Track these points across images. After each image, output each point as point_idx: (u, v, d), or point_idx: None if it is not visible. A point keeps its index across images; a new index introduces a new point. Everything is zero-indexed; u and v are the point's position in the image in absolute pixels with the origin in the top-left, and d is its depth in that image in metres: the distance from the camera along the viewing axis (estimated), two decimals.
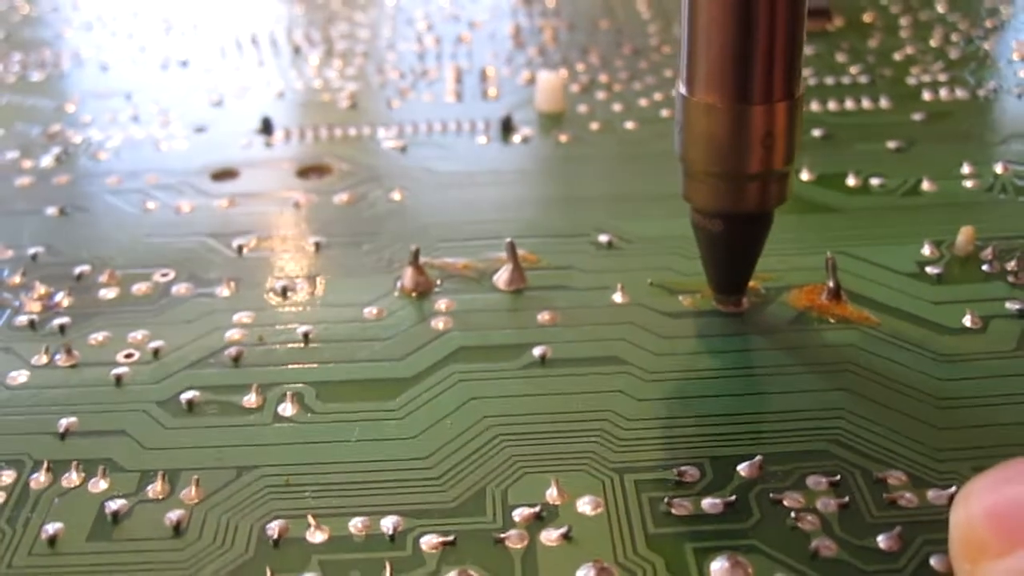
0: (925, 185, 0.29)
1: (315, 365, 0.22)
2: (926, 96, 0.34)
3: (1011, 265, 0.25)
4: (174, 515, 0.18)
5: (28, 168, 0.32)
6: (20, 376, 0.22)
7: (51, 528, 0.18)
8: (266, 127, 0.34)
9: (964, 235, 0.25)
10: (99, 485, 0.19)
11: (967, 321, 0.23)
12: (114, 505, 0.19)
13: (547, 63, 0.38)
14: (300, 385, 0.22)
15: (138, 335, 0.23)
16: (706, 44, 0.20)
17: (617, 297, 0.24)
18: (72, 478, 0.19)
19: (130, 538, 0.18)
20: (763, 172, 0.21)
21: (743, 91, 0.20)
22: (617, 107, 0.34)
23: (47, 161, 0.32)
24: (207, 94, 0.37)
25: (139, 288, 0.25)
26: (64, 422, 0.21)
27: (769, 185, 0.21)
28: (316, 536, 0.18)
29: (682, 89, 0.21)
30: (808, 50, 0.36)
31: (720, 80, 0.20)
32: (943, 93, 0.34)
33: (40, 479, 0.19)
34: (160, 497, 0.19)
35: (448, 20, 0.43)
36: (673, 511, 0.18)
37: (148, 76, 0.39)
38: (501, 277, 0.25)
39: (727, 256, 0.23)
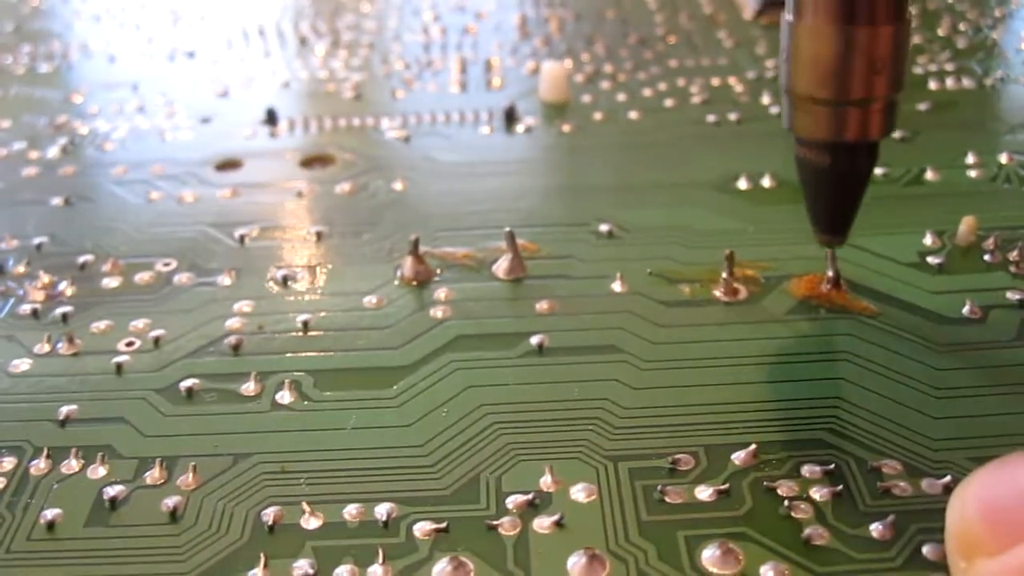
0: (929, 175, 0.28)
1: (314, 353, 0.22)
2: (932, 86, 0.34)
3: (1013, 255, 0.24)
4: (171, 501, 0.19)
5: (35, 159, 0.32)
6: (23, 364, 0.23)
7: (50, 513, 0.18)
8: (270, 118, 0.34)
9: (966, 225, 0.25)
10: (98, 471, 0.19)
11: (966, 311, 0.23)
12: (112, 491, 0.19)
13: (552, 53, 0.38)
14: (298, 373, 0.22)
15: (139, 324, 0.24)
16: None
17: (616, 286, 0.24)
18: (71, 464, 0.20)
19: (127, 524, 0.18)
20: (871, 97, 0.21)
21: (850, 12, 0.20)
22: (621, 97, 0.34)
23: (53, 152, 0.32)
24: (213, 85, 0.37)
25: (141, 277, 0.25)
26: (65, 409, 0.21)
27: (877, 112, 0.21)
28: (311, 522, 0.18)
29: (788, 16, 0.21)
30: None
31: (827, 3, 0.20)
32: (949, 83, 0.34)
33: (40, 465, 0.20)
34: (158, 483, 0.19)
35: (454, 11, 0.43)
36: (666, 499, 0.18)
37: (155, 67, 0.39)
38: (501, 266, 0.25)
39: (833, 192, 0.22)
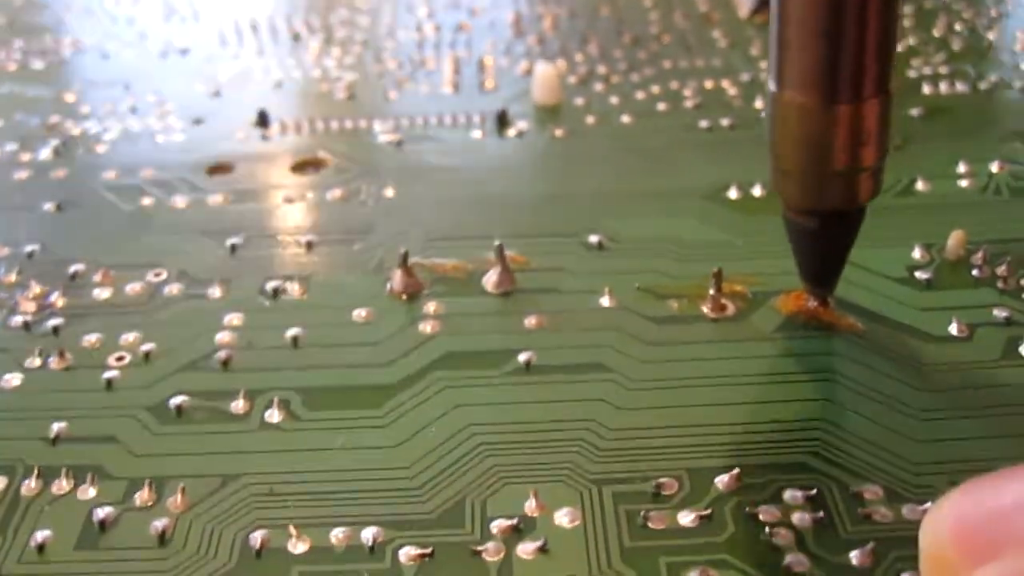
0: (919, 185, 0.28)
1: (303, 371, 0.23)
2: (926, 90, 0.34)
3: (1001, 270, 0.25)
4: (160, 524, 0.19)
5: (26, 161, 0.32)
6: (14, 379, 0.23)
7: (40, 536, 0.19)
8: (262, 120, 0.34)
9: (955, 239, 0.25)
10: (88, 492, 0.20)
11: (953, 329, 0.23)
12: (101, 513, 0.19)
13: (546, 53, 0.38)
14: (288, 391, 0.22)
15: (130, 337, 0.24)
16: (796, 44, 0.20)
17: (604, 301, 0.24)
18: (62, 485, 0.20)
19: (116, 547, 0.18)
20: (858, 168, 0.21)
21: (835, 89, 0.20)
22: (614, 100, 0.34)
23: (45, 154, 0.32)
24: (206, 84, 0.37)
25: (132, 288, 0.26)
26: (56, 427, 0.21)
27: (865, 179, 0.21)
28: (298, 547, 0.18)
29: (772, 86, 0.21)
30: None
31: (812, 79, 0.20)
32: (943, 86, 0.34)
33: (31, 485, 0.20)
34: (147, 505, 0.19)
35: (449, 7, 0.43)
36: (649, 524, 0.18)
37: (148, 64, 0.39)
38: (490, 279, 0.25)
39: (820, 251, 0.23)
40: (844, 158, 0.21)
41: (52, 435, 0.21)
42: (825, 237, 0.22)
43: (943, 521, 0.15)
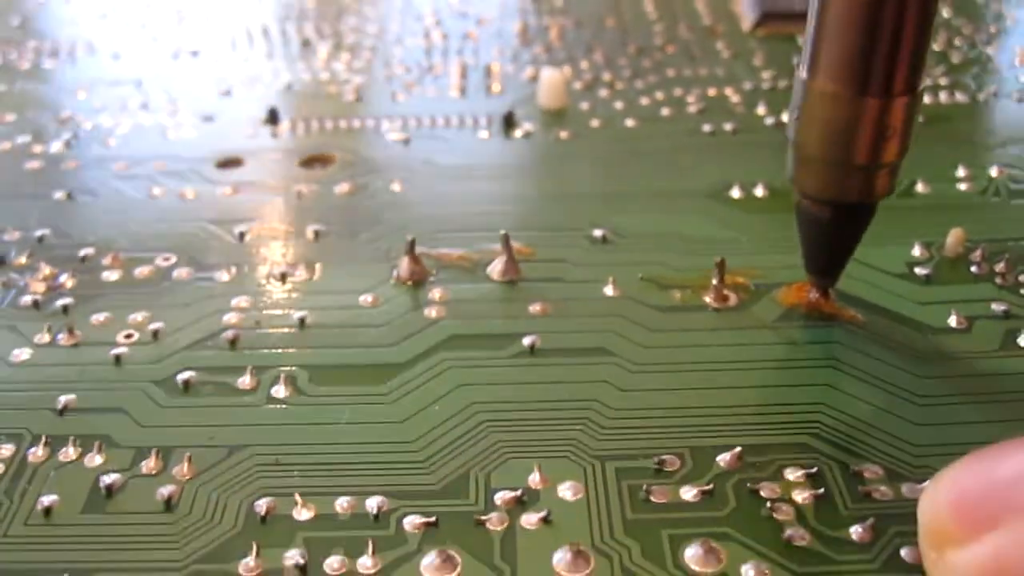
0: (919, 187, 0.29)
1: (309, 349, 0.23)
2: (927, 99, 0.34)
3: (999, 267, 0.25)
4: (166, 490, 0.19)
5: (38, 152, 0.32)
6: (23, 354, 0.23)
7: (47, 500, 0.19)
8: (272, 117, 0.34)
9: (954, 236, 0.26)
10: (95, 460, 0.20)
11: (952, 321, 0.23)
12: (108, 479, 0.19)
13: (552, 60, 0.39)
14: (294, 368, 0.22)
15: (138, 317, 0.24)
16: (834, 33, 0.20)
17: (608, 290, 0.25)
18: (69, 452, 0.20)
19: (123, 511, 0.19)
20: (879, 163, 0.21)
21: (866, 82, 0.20)
22: (618, 105, 0.35)
23: (57, 146, 0.33)
24: (216, 84, 0.37)
25: (141, 271, 0.26)
26: (63, 399, 0.21)
27: (883, 176, 0.22)
28: (302, 514, 0.18)
29: (803, 74, 0.21)
30: None
31: (846, 69, 0.20)
32: (943, 97, 0.35)
33: (38, 453, 0.20)
34: (153, 473, 0.19)
35: (456, 16, 0.44)
36: (652, 498, 0.19)
37: (159, 65, 0.39)
38: (495, 268, 0.25)
39: (829, 242, 0.23)
40: (867, 152, 0.21)
41: (60, 407, 0.21)
42: (836, 229, 0.22)
43: (942, 493, 0.15)
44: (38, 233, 0.28)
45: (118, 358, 0.23)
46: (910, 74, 0.20)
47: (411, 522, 0.18)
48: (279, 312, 0.24)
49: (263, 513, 0.18)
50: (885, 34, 0.20)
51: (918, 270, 0.25)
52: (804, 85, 0.21)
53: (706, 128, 0.33)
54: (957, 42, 0.39)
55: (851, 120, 0.21)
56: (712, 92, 0.36)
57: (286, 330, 0.23)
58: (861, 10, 0.20)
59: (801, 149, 0.22)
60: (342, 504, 0.19)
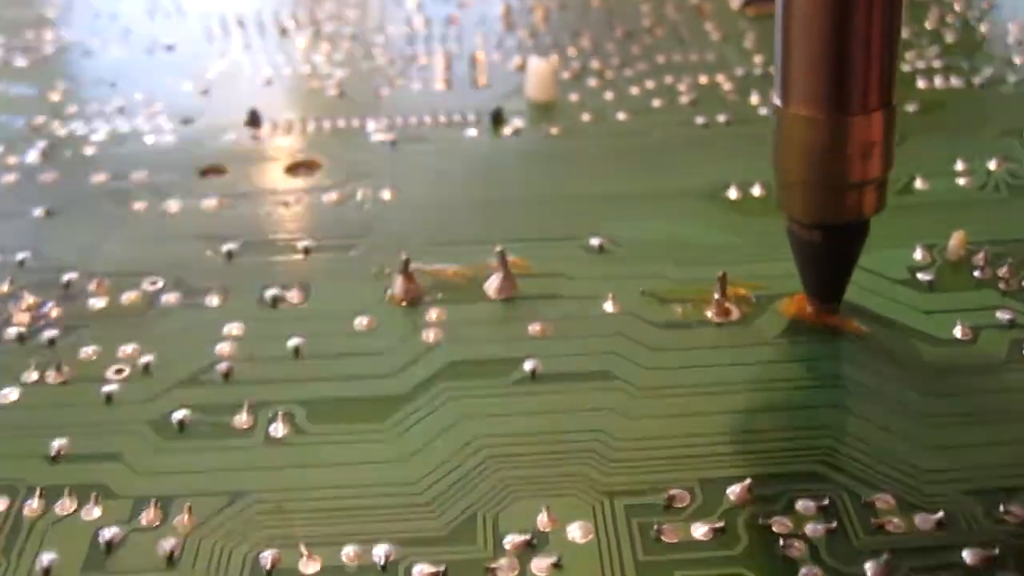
0: (918, 183, 0.28)
1: (306, 383, 0.22)
2: (921, 84, 0.34)
3: (1002, 271, 0.25)
4: (167, 544, 0.19)
5: (13, 164, 0.32)
6: (11, 394, 0.22)
7: (46, 559, 0.18)
8: (253, 120, 0.33)
9: (956, 240, 0.25)
10: (92, 512, 0.19)
11: (957, 332, 0.23)
12: (108, 533, 0.19)
13: (538, 47, 0.38)
14: (291, 404, 0.22)
15: (128, 349, 0.23)
16: (801, 58, 0.20)
17: (608, 306, 0.24)
18: (66, 505, 0.19)
19: (124, 570, 0.18)
20: (864, 180, 0.21)
21: (841, 102, 0.20)
22: (608, 96, 0.34)
23: (33, 157, 0.32)
24: (194, 81, 0.36)
25: (128, 297, 0.25)
26: (56, 444, 0.21)
27: (870, 192, 0.21)
28: (309, 567, 0.18)
29: (776, 101, 0.21)
30: None
31: (818, 92, 0.20)
32: (938, 81, 0.34)
33: (33, 506, 0.19)
34: (154, 525, 0.19)
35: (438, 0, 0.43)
36: (663, 537, 0.18)
37: (133, 61, 0.38)
38: (492, 285, 0.25)
39: (825, 265, 0.23)
40: (850, 171, 0.21)
41: (52, 452, 0.21)
42: (829, 251, 0.22)
43: None
44: (19, 256, 0.27)
45: (109, 397, 0.22)
46: (884, 88, 0.20)
47: (420, 571, 0.18)
48: (272, 340, 0.23)
49: (268, 567, 0.18)
50: (854, 53, 0.20)
51: (920, 275, 0.25)
52: (778, 112, 0.21)
53: (699, 120, 0.32)
54: (949, 19, 0.38)
55: (830, 142, 0.20)
56: (703, 80, 0.35)
57: (281, 362, 0.23)
58: (824, 32, 0.20)
59: (785, 175, 0.21)
60: (348, 554, 0.18)
